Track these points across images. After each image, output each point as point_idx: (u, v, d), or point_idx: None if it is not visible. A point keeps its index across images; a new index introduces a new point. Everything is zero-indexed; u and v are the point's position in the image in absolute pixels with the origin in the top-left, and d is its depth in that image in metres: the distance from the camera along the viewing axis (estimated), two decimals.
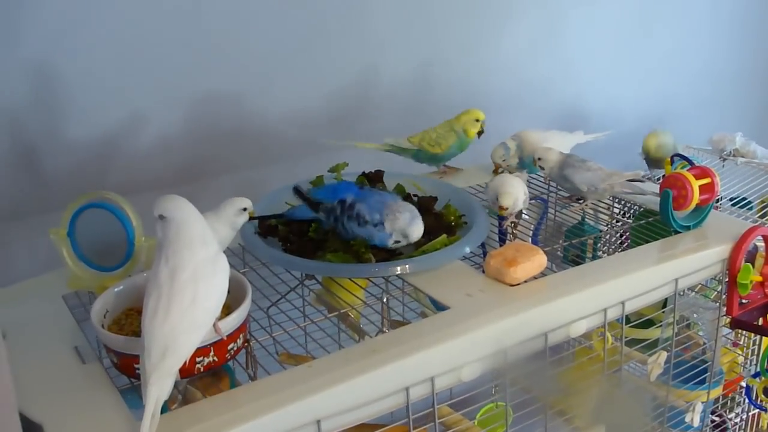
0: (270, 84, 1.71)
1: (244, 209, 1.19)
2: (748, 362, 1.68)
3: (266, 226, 1.33)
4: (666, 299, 1.36)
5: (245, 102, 1.69)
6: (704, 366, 1.49)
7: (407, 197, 1.42)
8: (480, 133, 1.64)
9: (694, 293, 1.56)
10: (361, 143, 1.66)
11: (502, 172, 1.61)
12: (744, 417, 1.73)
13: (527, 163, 1.58)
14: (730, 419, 1.71)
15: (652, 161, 1.98)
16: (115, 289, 1.09)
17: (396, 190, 1.43)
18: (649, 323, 1.42)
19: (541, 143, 1.56)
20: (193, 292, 0.92)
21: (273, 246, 1.30)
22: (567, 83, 2.23)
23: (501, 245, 1.40)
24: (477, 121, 1.63)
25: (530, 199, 1.57)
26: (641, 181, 1.48)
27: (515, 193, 1.37)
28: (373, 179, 1.44)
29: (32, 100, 1.45)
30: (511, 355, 1.11)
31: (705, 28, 2.53)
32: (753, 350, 1.67)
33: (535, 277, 1.21)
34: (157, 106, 1.58)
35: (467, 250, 1.26)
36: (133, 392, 0.99)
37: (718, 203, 1.89)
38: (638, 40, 2.36)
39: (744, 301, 1.39)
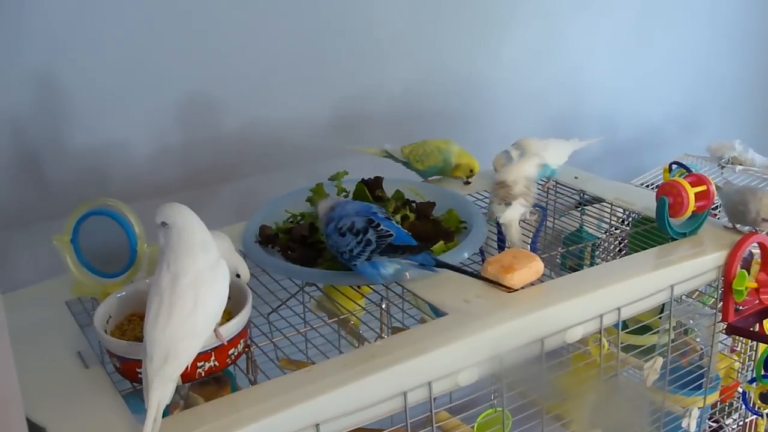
0: (272, 92, 1.73)
1: (238, 275, 1.14)
2: (745, 368, 1.69)
3: (266, 235, 1.34)
4: (663, 305, 1.38)
5: (248, 110, 1.71)
6: (701, 372, 1.50)
7: (406, 203, 1.43)
8: (467, 182, 1.66)
9: (691, 299, 1.57)
10: (361, 148, 1.67)
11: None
12: (741, 423, 1.74)
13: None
14: (727, 425, 1.72)
15: None
16: (118, 295, 1.10)
17: (395, 196, 1.45)
18: (645, 329, 1.43)
19: (541, 151, 1.57)
20: (194, 298, 0.93)
21: (273, 254, 1.31)
22: (566, 91, 2.24)
23: (500, 251, 1.41)
24: (471, 171, 1.63)
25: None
26: None
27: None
28: (373, 186, 1.45)
29: (35, 108, 1.46)
30: (507, 360, 1.12)
31: (704, 37, 2.54)
32: (750, 356, 1.68)
33: (532, 284, 1.22)
34: (160, 114, 1.60)
35: (465, 255, 1.27)
36: (135, 396, 1.00)
37: (717, 211, 1.90)
38: (637, 48, 2.37)
39: (740, 307, 1.40)
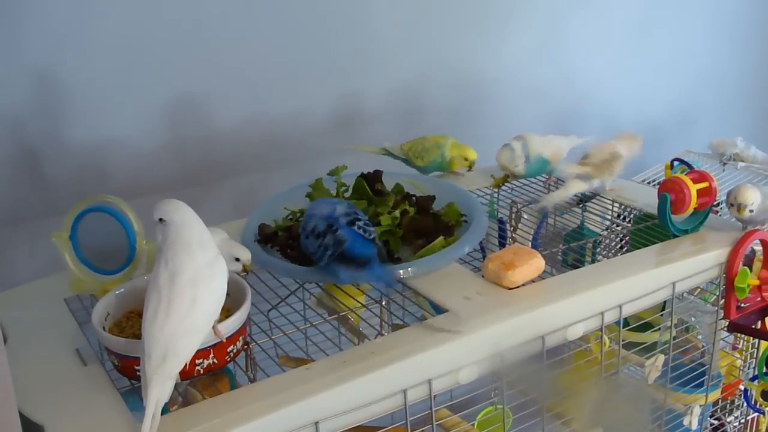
0: (271, 89, 1.72)
1: (237, 259, 1.12)
2: (747, 365, 1.68)
3: (266, 234, 1.33)
4: (665, 302, 1.37)
5: (247, 107, 1.70)
6: (702, 369, 1.49)
7: (406, 197, 1.42)
8: (469, 169, 1.64)
9: (693, 297, 1.57)
10: (361, 147, 1.67)
11: (503, 179, 1.61)
12: (742, 421, 1.73)
13: (532, 165, 1.57)
14: (729, 422, 1.72)
15: None
16: (116, 292, 1.10)
17: (394, 190, 1.44)
18: (647, 326, 1.42)
19: (542, 146, 1.56)
20: (192, 296, 0.93)
21: (273, 253, 1.30)
22: (568, 88, 2.24)
23: (501, 248, 1.41)
24: (466, 160, 1.62)
25: (530, 204, 1.58)
26: None
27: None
28: (372, 180, 1.44)
29: (34, 105, 1.46)
30: (508, 357, 1.12)
31: (706, 33, 2.54)
32: (751, 353, 1.67)
33: (533, 281, 1.22)
34: (159, 111, 1.60)
35: (466, 250, 1.27)
36: (133, 394, 0.99)
37: (718, 207, 1.89)
38: (639, 45, 2.37)
39: (742, 304, 1.39)
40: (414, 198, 1.43)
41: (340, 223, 1.14)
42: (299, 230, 1.21)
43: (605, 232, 1.59)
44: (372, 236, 1.15)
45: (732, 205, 1.38)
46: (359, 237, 1.14)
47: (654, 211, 1.40)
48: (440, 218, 1.37)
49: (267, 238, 1.33)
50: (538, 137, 1.58)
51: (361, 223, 1.15)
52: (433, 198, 1.42)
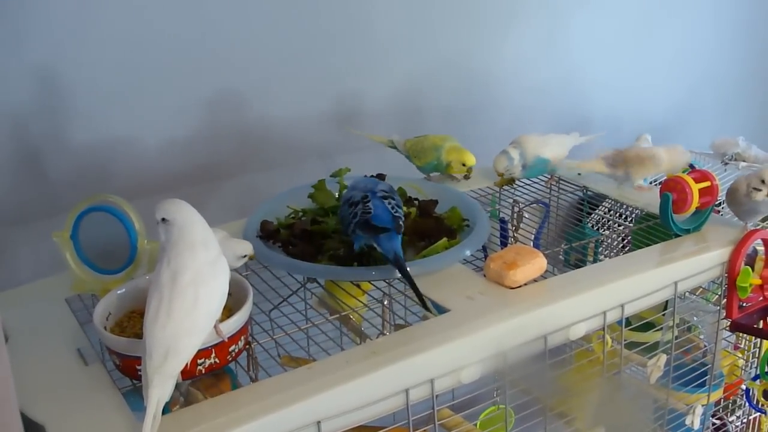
0: (274, 88, 1.72)
1: (244, 256, 1.15)
2: (749, 365, 1.68)
3: (268, 230, 1.33)
4: (666, 302, 1.37)
5: (249, 106, 1.70)
6: (704, 369, 1.49)
7: (408, 200, 1.42)
8: (466, 176, 1.62)
9: (694, 296, 1.56)
10: (369, 135, 1.67)
11: (509, 180, 1.60)
12: (744, 420, 1.73)
13: (530, 168, 1.58)
14: (731, 422, 1.72)
15: None
16: (118, 292, 1.10)
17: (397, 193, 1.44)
18: (648, 326, 1.42)
19: (541, 147, 1.56)
20: (194, 295, 0.93)
21: (274, 249, 1.30)
22: (570, 88, 2.23)
23: (503, 248, 1.40)
24: (463, 165, 1.59)
25: (532, 203, 1.58)
26: None
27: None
28: None
29: (36, 104, 1.45)
30: (510, 357, 1.11)
31: (707, 34, 2.54)
32: (753, 353, 1.67)
33: (535, 280, 1.22)
34: (160, 110, 1.59)
35: (467, 253, 1.27)
36: (135, 394, 0.99)
37: (720, 207, 1.89)
38: (641, 44, 2.37)
39: (744, 304, 1.39)
40: (417, 201, 1.43)
41: (375, 195, 1.20)
42: (342, 201, 1.25)
43: (607, 232, 1.59)
44: (398, 213, 1.19)
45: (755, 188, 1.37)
46: (387, 212, 1.18)
47: (656, 210, 1.40)
48: (443, 222, 1.37)
49: (269, 234, 1.33)
50: (537, 138, 1.58)
51: (393, 202, 1.20)
52: (435, 202, 1.42)
